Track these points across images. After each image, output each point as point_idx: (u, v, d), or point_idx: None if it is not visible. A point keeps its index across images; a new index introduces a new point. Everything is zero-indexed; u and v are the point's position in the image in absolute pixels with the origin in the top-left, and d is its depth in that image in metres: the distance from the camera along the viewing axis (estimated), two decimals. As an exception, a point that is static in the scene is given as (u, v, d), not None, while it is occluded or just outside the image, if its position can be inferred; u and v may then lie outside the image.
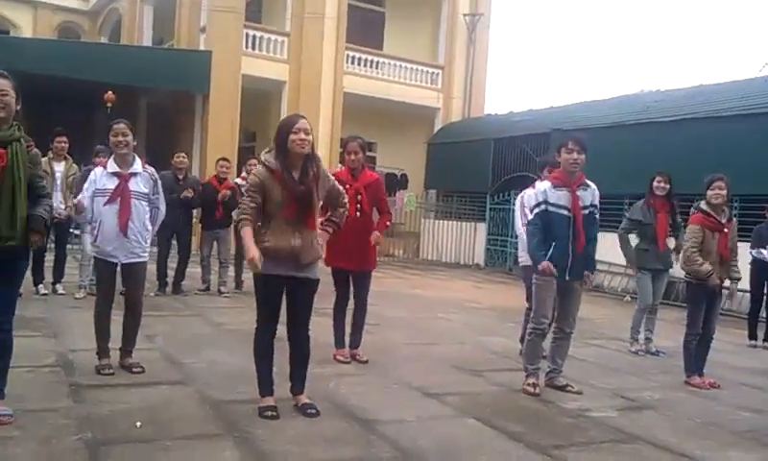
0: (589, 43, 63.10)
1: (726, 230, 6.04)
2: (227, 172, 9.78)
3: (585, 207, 5.34)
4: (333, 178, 4.65)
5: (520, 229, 6.67)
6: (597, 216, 5.48)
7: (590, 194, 5.41)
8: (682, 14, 57.34)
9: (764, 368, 6.68)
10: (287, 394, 4.48)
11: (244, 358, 4.82)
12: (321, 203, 4.50)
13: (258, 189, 4.24)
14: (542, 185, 5.42)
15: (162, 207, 5.37)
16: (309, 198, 4.27)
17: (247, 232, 4.20)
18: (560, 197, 5.29)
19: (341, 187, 4.69)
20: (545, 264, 5.21)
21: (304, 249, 4.27)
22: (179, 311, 8.26)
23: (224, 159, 10.02)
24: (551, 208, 5.29)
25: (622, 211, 11.72)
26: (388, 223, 6.31)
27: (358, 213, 5.87)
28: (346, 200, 4.65)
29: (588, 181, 5.44)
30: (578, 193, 5.32)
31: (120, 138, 5.06)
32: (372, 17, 21.60)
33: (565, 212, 5.27)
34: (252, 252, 4.12)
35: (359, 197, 5.89)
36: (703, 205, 6.09)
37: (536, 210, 5.34)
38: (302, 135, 4.21)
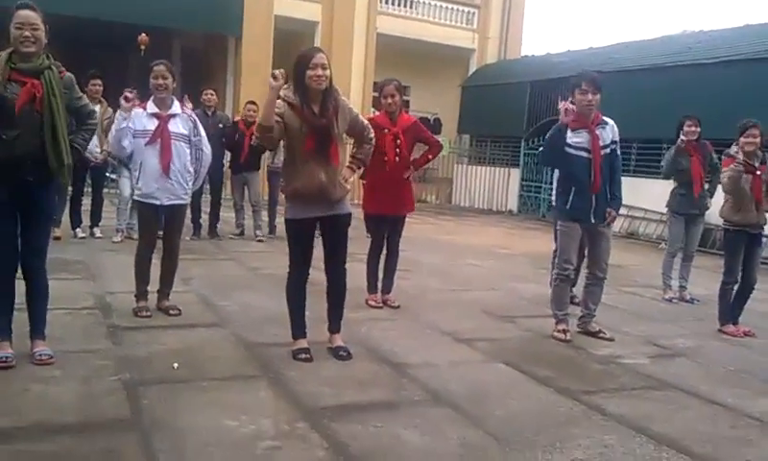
0: (631, -19, 61.11)
1: (759, 172, 5.91)
2: (254, 115, 9.76)
3: (605, 146, 5.26)
4: (356, 110, 4.59)
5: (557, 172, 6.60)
6: (619, 152, 5.39)
7: (610, 131, 5.31)
8: (728, -50, 55.03)
9: (801, 316, 6.58)
10: (320, 337, 4.55)
11: (278, 302, 4.89)
12: (344, 135, 4.46)
13: (279, 116, 4.18)
14: (559, 126, 5.27)
15: (207, 149, 5.39)
16: (330, 130, 4.24)
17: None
18: (580, 139, 5.21)
19: (365, 121, 4.65)
20: (565, 104, 5.14)
21: (331, 184, 4.26)
22: (213, 255, 8.38)
23: (251, 102, 9.99)
24: (570, 150, 5.21)
25: (660, 155, 11.48)
26: (430, 157, 6.28)
27: (397, 157, 5.85)
28: (371, 134, 4.59)
29: (606, 118, 5.33)
30: (597, 132, 5.23)
31: (160, 81, 5.09)
32: (408, -44, 21.15)
33: (585, 154, 5.19)
34: (270, 82, 4.06)
35: (398, 141, 5.86)
36: (732, 150, 5.97)
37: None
38: (319, 71, 4.15)
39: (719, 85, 12.87)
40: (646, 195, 12.80)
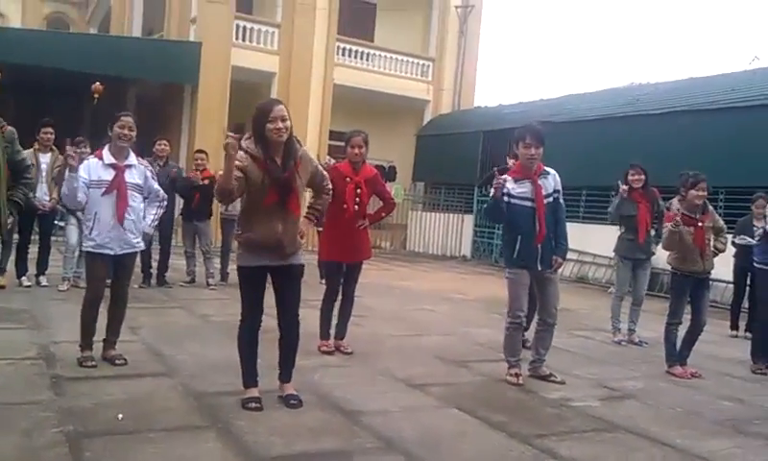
0: (580, 36, 63.20)
1: (701, 223, 6.09)
2: (202, 163, 9.73)
3: (548, 195, 5.37)
4: (316, 161, 4.62)
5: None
6: (562, 201, 5.50)
7: (552, 180, 5.44)
8: (673, 7, 57.45)
9: (745, 358, 6.73)
10: (271, 386, 4.48)
11: (228, 350, 4.82)
12: (305, 188, 4.45)
13: (240, 173, 4.14)
14: (502, 179, 5.36)
15: (162, 193, 5.43)
16: (292, 183, 4.24)
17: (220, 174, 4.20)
18: (523, 190, 5.31)
19: (324, 172, 4.67)
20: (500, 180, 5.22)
21: (288, 236, 4.25)
22: (163, 303, 8.24)
23: (199, 151, 10.03)
24: (514, 201, 5.30)
25: (608, 202, 11.75)
26: (383, 214, 6.38)
27: (356, 206, 5.90)
28: (330, 186, 4.63)
29: (548, 169, 5.45)
30: (539, 182, 5.34)
31: (127, 132, 5.09)
32: (364, 9, 21.54)
33: (529, 204, 5.29)
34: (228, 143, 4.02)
35: (358, 191, 5.92)
36: (673, 203, 6.15)
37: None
38: (279, 124, 4.15)
39: (666, 135, 13.29)
40: (595, 240, 13.07)
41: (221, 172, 9.58)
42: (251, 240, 4.25)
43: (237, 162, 4.11)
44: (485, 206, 5.44)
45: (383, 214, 6.37)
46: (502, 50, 60.69)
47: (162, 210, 5.46)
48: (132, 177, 5.11)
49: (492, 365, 5.90)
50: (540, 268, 5.34)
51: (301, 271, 4.46)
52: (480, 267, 16.90)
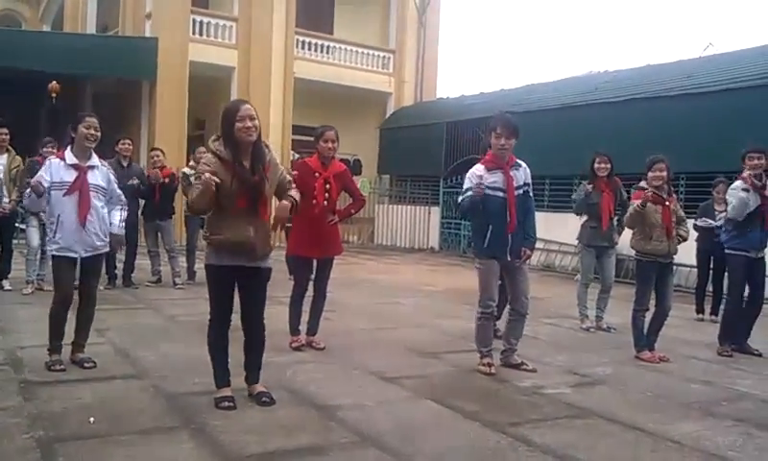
0: (538, 26, 63.71)
1: (668, 202, 6.18)
2: (158, 160, 9.61)
3: (519, 187, 5.42)
4: (283, 167, 4.57)
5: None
6: (531, 194, 5.56)
7: (523, 173, 5.49)
8: (627, -4, 58.19)
9: (711, 341, 6.86)
10: (243, 384, 4.45)
11: (198, 349, 4.77)
12: (272, 194, 4.40)
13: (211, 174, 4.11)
14: (477, 169, 5.41)
15: (123, 198, 5.37)
16: (261, 188, 4.20)
17: (192, 192, 4.16)
18: (495, 180, 5.34)
19: (288, 177, 4.59)
20: (477, 189, 5.23)
21: (259, 240, 4.20)
22: (130, 304, 8.13)
23: (155, 149, 9.96)
24: (487, 191, 5.31)
25: (571, 191, 11.88)
26: (353, 211, 6.31)
27: (326, 202, 5.87)
28: (293, 191, 4.50)
29: (519, 161, 5.50)
30: (511, 173, 5.39)
31: (93, 132, 5.00)
32: (322, 1, 21.41)
33: (501, 194, 5.33)
34: (203, 179, 4.03)
35: (328, 186, 5.88)
36: (643, 184, 6.25)
37: (469, 193, 5.34)
38: (248, 123, 4.11)
39: (625, 122, 13.46)
40: (560, 229, 13.21)
41: (184, 169, 9.49)
42: (220, 243, 4.19)
43: (207, 167, 4.10)
44: (462, 203, 5.40)
45: (353, 211, 6.32)
46: (462, 41, 60.95)
47: (126, 212, 5.38)
48: (94, 178, 5.03)
49: (464, 355, 5.93)
50: (509, 258, 5.38)
51: (269, 275, 4.41)
52: (448, 258, 16.97)
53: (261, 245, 4.23)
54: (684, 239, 6.41)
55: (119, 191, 5.31)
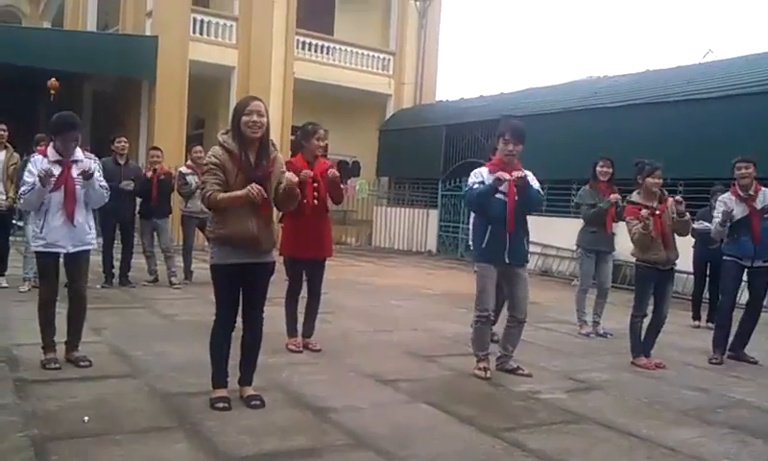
0: (539, 30, 63.78)
1: (658, 211, 6.17)
2: (158, 160, 9.60)
3: None
4: (285, 168, 4.57)
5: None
6: (536, 185, 5.49)
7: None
8: (630, 1, 58.32)
9: (707, 347, 6.86)
10: (237, 385, 4.44)
11: (194, 350, 4.77)
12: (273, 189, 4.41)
13: (219, 168, 4.15)
14: (481, 170, 5.46)
15: (107, 188, 5.23)
16: (265, 184, 4.20)
17: (223, 196, 4.12)
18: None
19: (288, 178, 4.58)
20: (500, 173, 5.20)
21: (262, 233, 4.22)
22: (126, 303, 8.11)
23: (154, 148, 9.97)
24: None
25: (571, 196, 11.88)
26: (341, 195, 6.21)
27: (315, 201, 5.84)
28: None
29: (526, 171, 5.46)
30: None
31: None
32: (323, 2, 21.37)
33: (502, 197, 5.33)
34: (252, 187, 4.04)
35: (315, 184, 5.85)
36: (633, 197, 6.24)
37: (475, 185, 5.37)
38: (255, 118, 4.14)
39: (624, 128, 13.47)
40: (558, 233, 13.21)
41: (181, 169, 9.47)
42: (225, 237, 4.19)
43: (215, 159, 4.16)
44: (475, 188, 5.34)
45: (335, 195, 6.06)
46: (462, 44, 61.00)
47: (104, 200, 5.20)
48: (78, 172, 4.99)
49: (461, 359, 5.93)
50: (507, 261, 5.37)
51: (273, 269, 4.44)
52: (446, 262, 16.97)
53: (265, 239, 4.25)
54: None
55: (105, 183, 5.19)
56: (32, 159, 5.04)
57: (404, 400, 4.80)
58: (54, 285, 5.06)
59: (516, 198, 5.32)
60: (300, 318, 6.08)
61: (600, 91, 15.67)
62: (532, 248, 5.79)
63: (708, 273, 8.83)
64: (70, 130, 4.96)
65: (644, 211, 6.00)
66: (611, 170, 7.64)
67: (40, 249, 4.96)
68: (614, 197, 7.27)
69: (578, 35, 59.87)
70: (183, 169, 9.75)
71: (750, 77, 12.39)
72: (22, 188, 4.97)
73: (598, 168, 7.65)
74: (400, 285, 11.47)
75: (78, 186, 4.95)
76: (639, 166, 6.25)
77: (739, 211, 6.50)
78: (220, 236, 4.21)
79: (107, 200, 5.27)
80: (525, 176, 5.28)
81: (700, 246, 8.65)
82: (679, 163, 10.89)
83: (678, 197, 6.31)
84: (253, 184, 4.07)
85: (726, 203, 6.58)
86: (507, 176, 5.21)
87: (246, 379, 4.46)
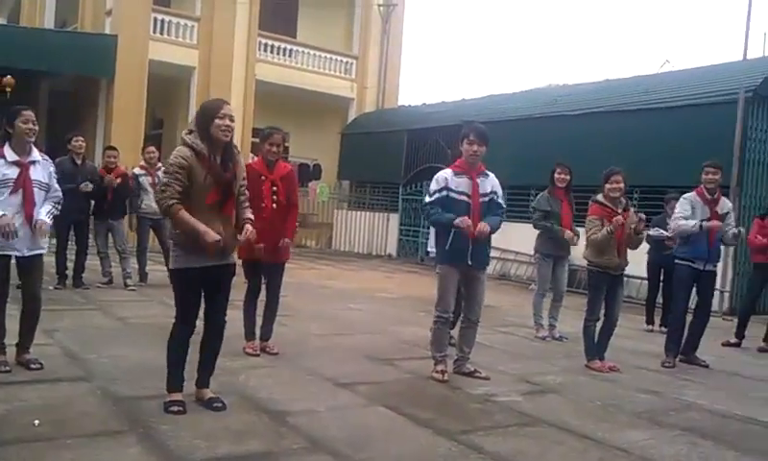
0: (502, 37, 64.44)
1: (622, 221, 6.26)
2: (114, 161, 9.46)
3: (484, 195, 5.48)
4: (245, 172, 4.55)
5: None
6: (500, 201, 5.61)
7: (490, 182, 5.56)
8: (589, 11, 59.28)
9: (660, 351, 6.97)
10: (193, 389, 4.39)
11: (148, 353, 4.70)
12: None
13: (184, 171, 4.07)
14: (444, 173, 5.52)
15: (60, 195, 5.13)
16: (232, 186, 4.20)
17: (184, 216, 4.05)
18: (460, 184, 5.42)
19: (245, 185, 4.52)
20: (464, 219, 5.25)
21: (227, 236, 4.20)
22: (80, 305, 7.95)
23: (110, 148, 9.82)
24: (452, 195, 5.40)
25: (529, 201, 12.00)
26: (295, 224, 6.15)
27: (274, 205, 5.80)
28: (248, 211, 4.48)
29: (488, 171, 5.58)
30: (477, 180, 5.45)
31: (31, 126, 4.82)
32: (286, 4, 21.34)
33: (466, 198, 5.39)
34: (210, 234, 4.02)
35: (275, 188, 5.82)
36: (599, 197, 6.34)
37: (436, 195, 5.43)
38: (228, 122, 4.13)
39: (583, 135, 13.68)
40: (516, 238, 13.32)
41: (135, 169, 9.32)
42: (192, 240, 4.11)
43: (183, 161, 4.07)
44: (433, 214, 5.45)
45: (295, 225, 6.13)
46: (425, 50, 61.32)
47: (57, 212, 5.10)
48: (36, 174, 4.88)
49: (419, 362, 5.94)
50: (470, 262, 5.41)
51: (235, 270, 4.42)
52: (406, 265, 17.01)
53: (229, 240, 4.23)
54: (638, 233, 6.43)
55: (57, 186, 5.09)
56: None
57: (362, 403, 4.79)
58: (4, 287, 4.93)
59: (480, 202, 5.38)
60: (259, 321, 6.03)
61: (560, 99, 15.90)
62: (491, 252, 5.84)
63: (661, 278, 9.00)
64: (26, 110, 4.85)
65: (618, 218, 6.10)
66: (568, 177, 7.76)
67: None
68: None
69: (540, 43, 60.71)
70: (137, 170, 9.63)
71: (705, 88, 12.69)
72: None
73: (556, 175, 7.78)
74: (360, 289, 11.46)
75: (36, 189, 4.85)
76: (605, 174, 6.33)
77: (702, 213, 6.64)
78: (188, 239, 4.14)
79: (59, 208, 5.16)
80: (488, 230, 5.35)
81: (654, 252, 8.82)
82: (635, 171, 11.03)
83: (642, 215, 6.42)
84: (217, 238, 4.03)
85: (691, 201, 6.72)
86: (470, 222, 5.26)
87: (204, 382, 4.41)
